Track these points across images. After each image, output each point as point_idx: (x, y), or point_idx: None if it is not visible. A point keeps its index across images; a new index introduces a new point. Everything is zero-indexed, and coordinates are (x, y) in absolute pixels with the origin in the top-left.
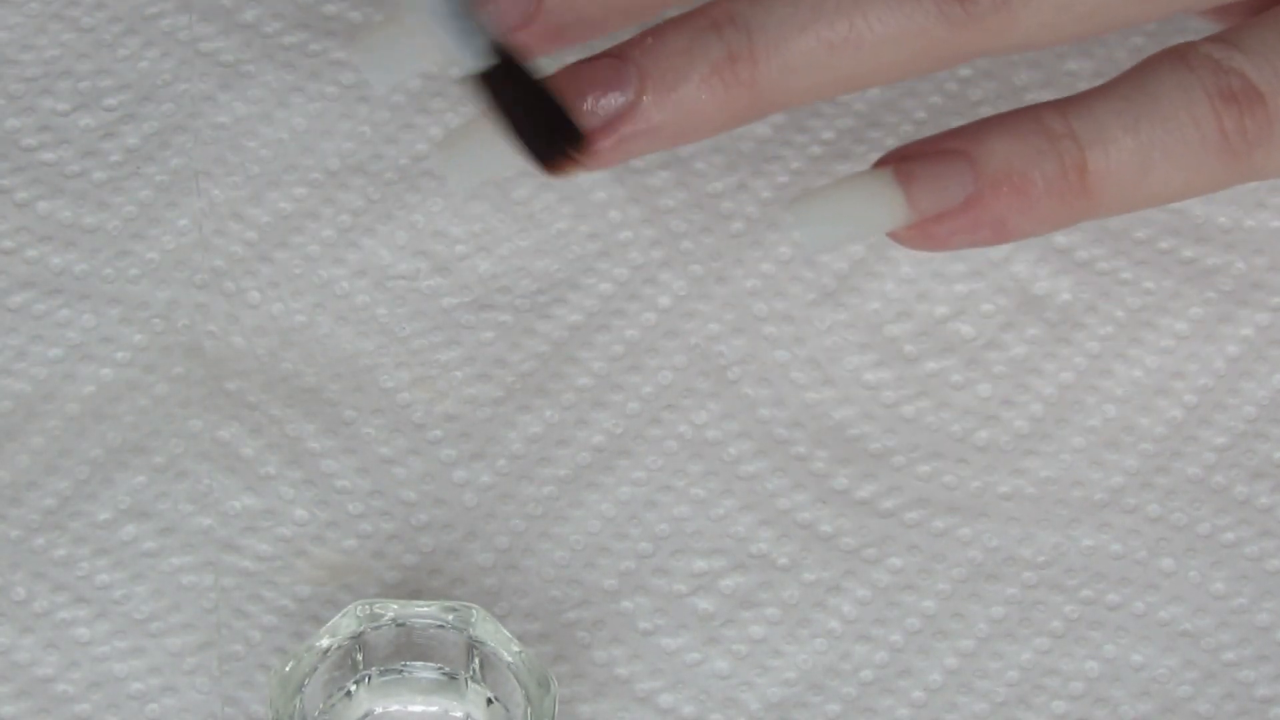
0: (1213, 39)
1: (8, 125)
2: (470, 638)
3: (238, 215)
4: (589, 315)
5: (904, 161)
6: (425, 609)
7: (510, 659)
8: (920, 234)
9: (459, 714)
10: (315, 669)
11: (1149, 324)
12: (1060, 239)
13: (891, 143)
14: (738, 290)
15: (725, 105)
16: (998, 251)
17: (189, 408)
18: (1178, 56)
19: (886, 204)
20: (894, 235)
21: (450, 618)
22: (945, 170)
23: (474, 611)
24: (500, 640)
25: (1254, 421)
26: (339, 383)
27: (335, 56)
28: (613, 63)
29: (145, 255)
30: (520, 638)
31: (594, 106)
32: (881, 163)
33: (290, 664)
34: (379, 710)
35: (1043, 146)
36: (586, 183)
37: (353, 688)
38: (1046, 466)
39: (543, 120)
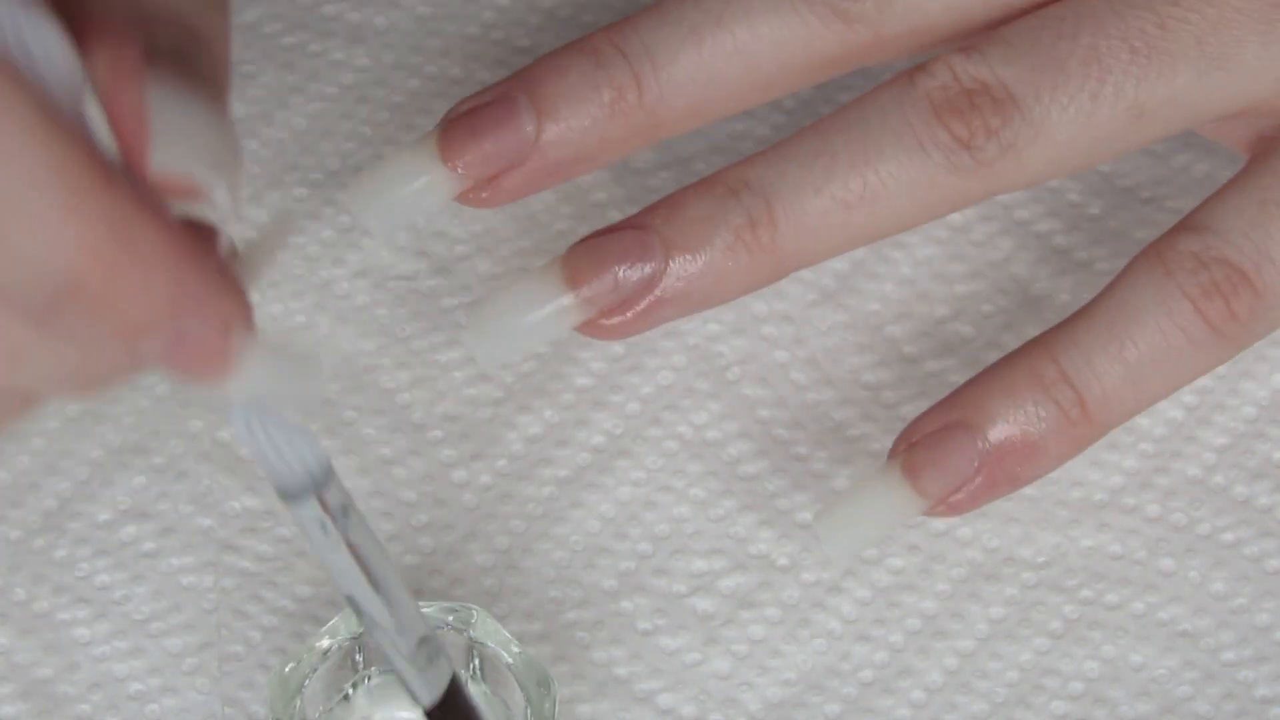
0: (1185, 227)
1: None
2: (470, 638)
3: (238, 215)
4: None
5: (910, 451)
6: (425, 609)
7: (510, 659)
8: (946, 510)
9: None
10: (315, 670)
11: None
12: (1060, 239)
13: None
14: None
15: (750, 269)
16: (998, 251)
17: (189, 408)
18: (1155, 260)
19: (900, 501)
20: (927, 514)
21: (450, 618)
22: (948, 453)
23: (474, 612)
24: (500, 640)
25: (1254, 422)
26: (338, 383)
27: (335, 57)
28: (636, 234)
29: None
30: (520, 638)
31: (621, 277)
32: (891, 454)
33: (290, 665)
34: (379, 711)
35: (1039, 399)
36: (586, 183)
37: (352, 689)
38: None
39: None
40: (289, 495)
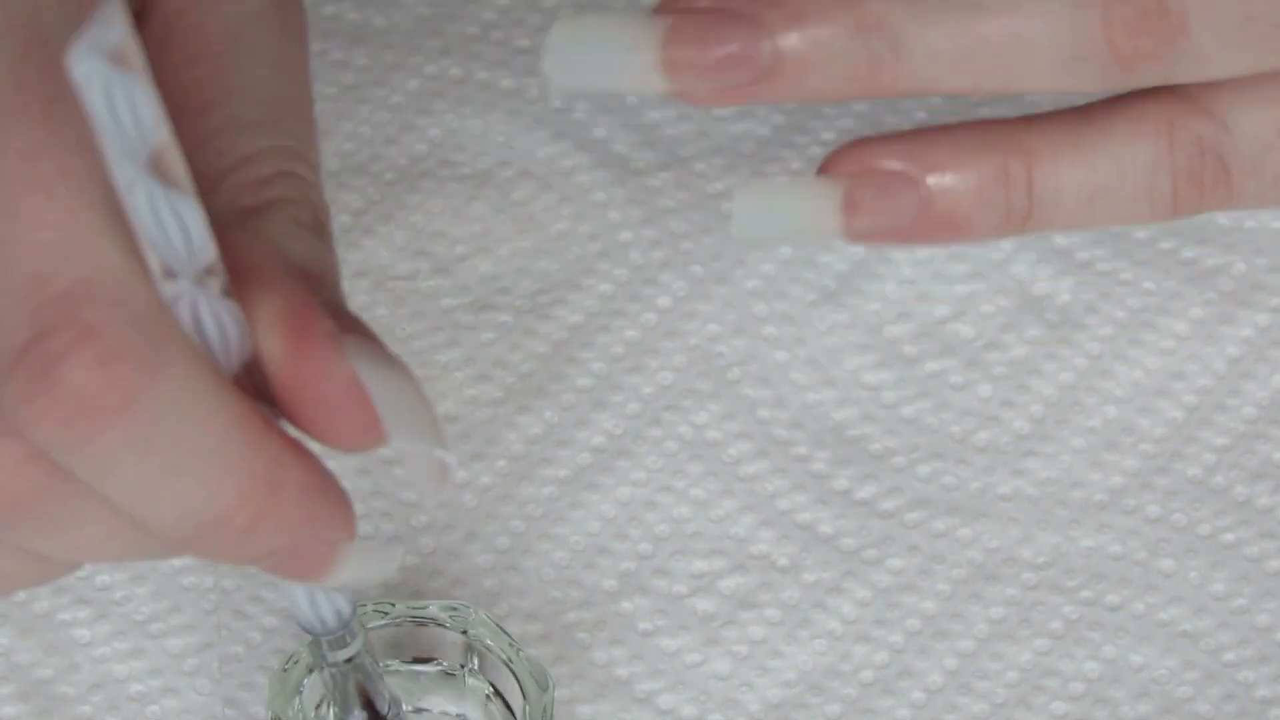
0: (1204, 109)
1: None
2: (469, 637)
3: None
4: (589, 316)
5: (856, 183)
6: (424, 609)
7: (509, 659)
8: (858, 240)
9: (458, 713)
10: (314, 670)
11: (1149, 325)
12: (1060, 240)
13: None
14: (738, 291)
15: (849, 93)
16: (998, 251)
17: None
18: (1165, 130)
19: (826, 221)
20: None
21: (449, 618)
22: (893, 204)
23: (473, 612)
24: (499, 640)
25: (1254, 422)
26: None
27: (335, 57)
28: (751, 29)
29: None
30: (520, 639)
31: (718, 72)
32: (833, 165)
33: (289, 665)
34: None
35: (999, 193)
36: (586, 183)
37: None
38: (1046, 467)
39: None
40: (308, 630)
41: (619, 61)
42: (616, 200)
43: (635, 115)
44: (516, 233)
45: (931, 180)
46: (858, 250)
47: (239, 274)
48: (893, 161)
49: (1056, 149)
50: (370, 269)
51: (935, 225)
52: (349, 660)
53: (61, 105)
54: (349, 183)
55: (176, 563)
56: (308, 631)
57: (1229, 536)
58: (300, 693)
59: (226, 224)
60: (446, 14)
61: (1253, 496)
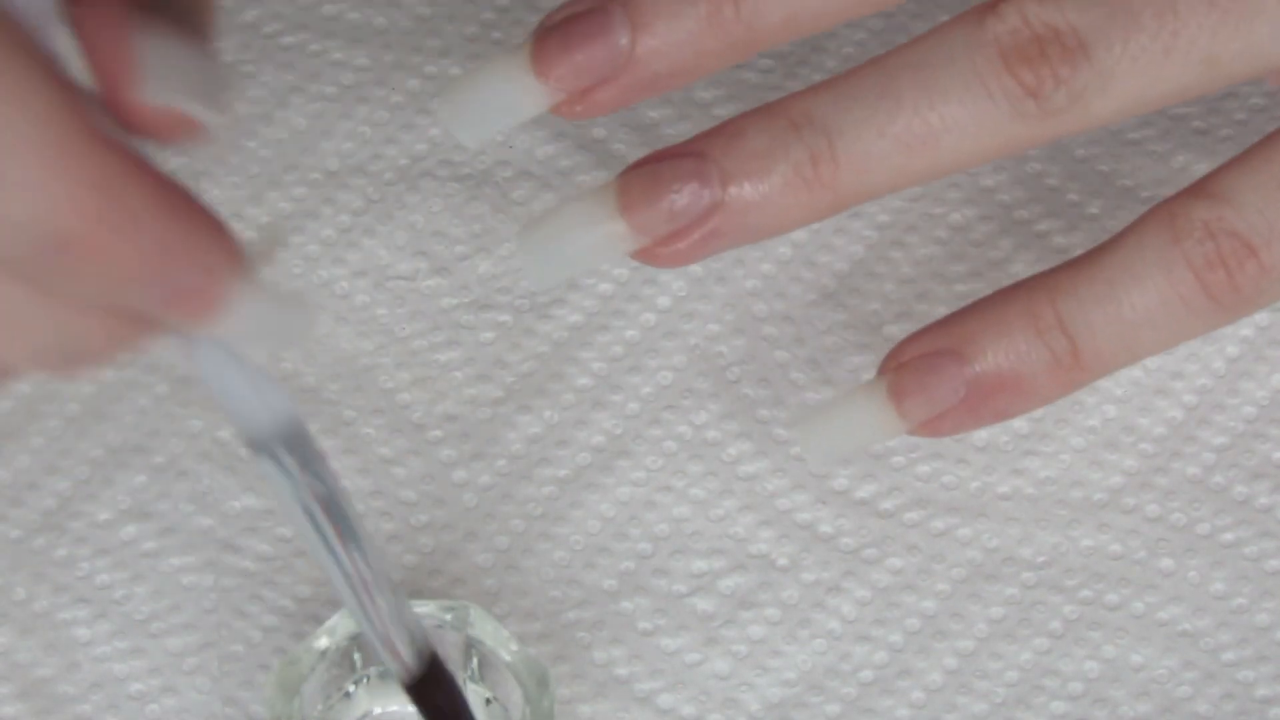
0: (1202, 192)
1: None
2: (469, 637)
3: (237, 215)
4: (589, 316)
5: (897, 373)
6: (423, 608)
7: (508, 658)
8: (926, 431)
9: None
10: (314, 669)
11: None
12: (1060, 239)
13: None
14: (738, 290)
15: (808, 204)
16: (997, 251)
17: (189, 408)
18: (1166, 223)
19: (883, 420)
20: (906, 433)
21: (448, 617)
22: (937, 380)
23: (472, 611)
24: (498, 639)
25: (1253, 422)
26: (338, 383)
27: (335, 57)
28: (695, 162)
29: None
30: (520, 638)
31: (677, 204)
32: (880, 371)
33: (288, 665)
34: (377, 710)
35: (1032, 340)
36: (586, 183)
37: (351, 688)
38: (1046, 466)
39: None
40: (254, 443)
41: (589, 246)
42: None
43: (635, 115)
44: (516, 233)
45: (967, 348)
46: (858, 250)
47: None
48: (925, 345)
49: (1074, 280)
50: (370, 269)
51: (989, 391)
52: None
53: None
54: (349, 183)
55: (176, 561)
56: (246, 436)
57: (1228, 536)
58: (300, 693)
59: None
60: (446, 14)
61: (1252, 496)
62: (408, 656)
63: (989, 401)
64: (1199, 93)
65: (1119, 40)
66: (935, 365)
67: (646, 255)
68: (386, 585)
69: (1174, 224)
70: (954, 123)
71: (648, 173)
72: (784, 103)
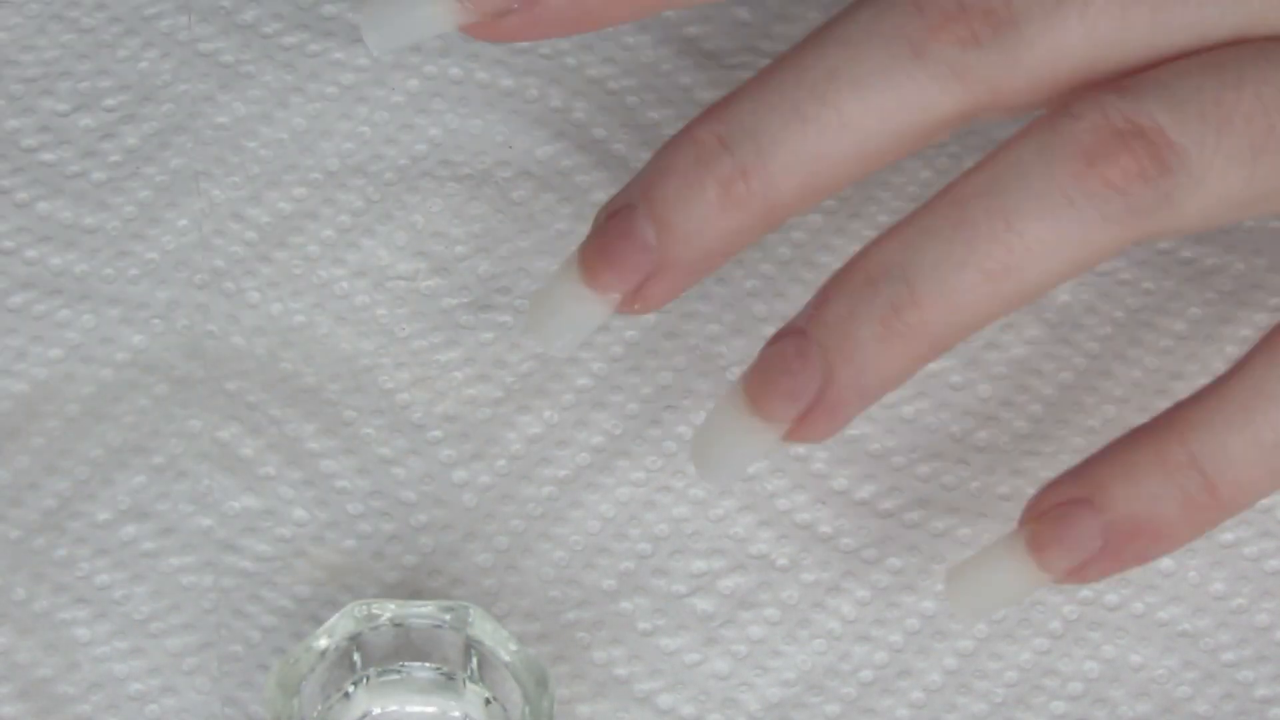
0: None
1: (8, 126)
2: (468, 637)
3: (237, 215)
4: None
5: (1035, 525)
6: (422, 608)
7: (508, 658)
8: (1071, 581)
9: (457, 714)
10: (313, 669)
11: (1148, 324)
12: None
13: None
14: (738, 290)
15: (904, 353)
16: None
17: (189, 408)
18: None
19: (1026, 575)
20: (1054, 583)
21: (448, 617)
22: (1073, 530)
23: (471, 611)
24: (498, 639)
25: None
26: (338, 383)
27: (335, 57)
28: (798, 344)
29: (145, 256)
30: (520, 638)
31: (796, 396)
32: (1020, 523)
33: (288, 665)
34: (377, 711)
35: (1165, 484)
36: (585, 183)
37: (351, 688)
38: (1046, 467)
39: None
40: None
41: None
42: None
43: (635, 115)
44: (516, 233)
45: (1099, 496)
46: (857, 249)
47: None
48: (1060, 494)
49: (1204, 412)
50: (370, 269)
51: (1125, 538)
52: None
53: None
54: (349, 183)
55: (175, 561)
56: None
57: (1228, 536)
58: (300, 693)
59: None
60: None
61: None
62: None
63: (1127, 548)
64: None
65: (1211, 139)
66: (1070, 515)
67: (798, 436)
68: None
69: None
70: (1036, 242)
71: (762, 368)
72: (859, 257)
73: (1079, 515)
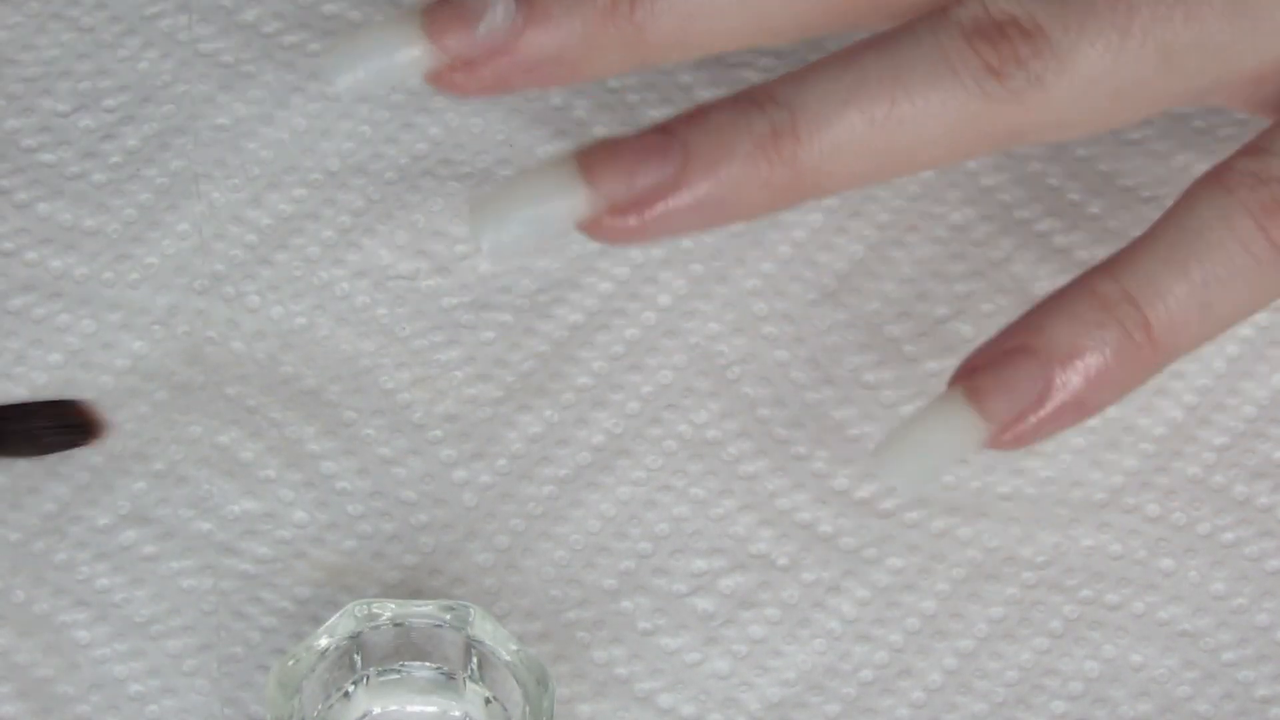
0: (1247, 150)
1: (7, 126)
2: (468, 636)
3: (238, 218)
4: (589, 315)
5: (971, 376)
6: (422, 608)
7: (508, 657)
8: (1011, 438)
9: (457, 714)
10: (313, 669)
11: None
12: (1060, 239)
13: None
14: (738, 290)
15: (769, 183)
16: (998, 251)
17: (189, 414)
18: (1215, 180)
19: (965, 427)
20: (991, 444)
21: (448, 617)
22: (1012, 374)
23: (471, 610)
24: (498, 639)
25: (1254, 421)
26: (339, 384)
27: None
28: (657, 136)
29: (145, 259)
30: (520, 637)
31: (637, 178)
32: (952, 383)
33: (288, 665)
34: (377, 710)
35: (1102, 319)
36: None
37: (351, 688)
38: (1046, 467)
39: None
40: None
41: (543, 214)
42: None
43: (635, 114)
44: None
45: (1037, 339)
46: (858, 249)
47: None
48: (996, 347)
49: (1134, 254)
50: (370, 269)
51: (1066, 379)
52: None
53: None
54: (349, 182)
55: (176, 565)
56: None
57: (1229, 535)
58: (300, 692)
59: None
60: None
61: (1252, 495)
62: None
63: (1069, 391)
64: (1163, 95)
65: (1074, 23)
66: (1009, 360)
67: (603, 229)
68: None
69: (1222, 180)
70: (919, 98)
71: (610, 143)
72: (749, 88)
73: (1018, 359)
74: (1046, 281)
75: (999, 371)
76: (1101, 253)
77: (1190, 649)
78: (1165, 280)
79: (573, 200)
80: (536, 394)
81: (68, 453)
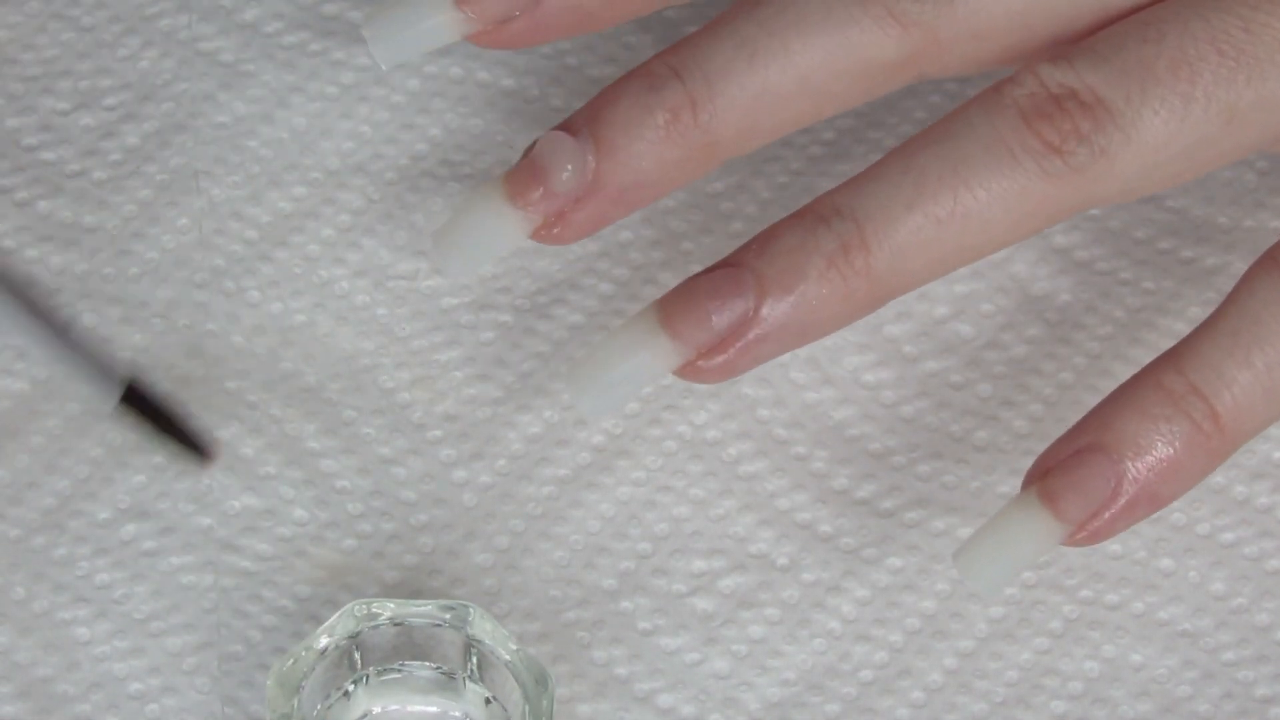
0: None
1: (8, 124)
2: (468, 636)
3: (238, 215)
4: (589, 315)
5: (1044, 478)
6: (422, 608)
7: (508, 657)
8: (1086, 536)
9: (457, 713)
10: (313, 669)
11: (1149, 324)
12: (1060, 239)
13: (891, 142)
14: None
15: (845, 297)
16: (998, 252)
17: (189, 407)
18: (1272, 263)
19: (1041, 530)
20: (1068, 543)
21: (448, 616)
22: (1084, 474)
23: (471, 610)
24: (498, 638)
25: None
26: (338, 382)
27: (335, 56)
28: (729, 271)
29: (145, 255)
30: (520, 638)
31: (716, 318)
32: (1025, 484)
33: (288, 664)
34: (377, 710)
35: (1170, 413)
36: None
37: (351, 687)
38: None
39: (177, 431)
40: None
41: (632, 371)
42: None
43: None
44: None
45: (1108, 436)
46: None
47: None
48: (1067, 447)
49: (1196, 344)
50: (370, 269)
51: (1138, 476)
52: None
53: None
54: (349, 183)
55: (176, 561)
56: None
57: (1228, 536)
58: (300, 692)
59: None
60: None
61: (1252, 496)
62: (109, 375)
63: (1142, 487)
64: (1230, 151)
65: (1136, 92)
66: (1080, 461)
67: (692, 371)
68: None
69: (1277, 261)
70: (982, 190)
71: (685, 288)
72: (811, 203)
73: (1089, 459)
74: (1046, 282)
75: (1071, 472)
76: (1101, 252)
77: (1190, 649)
78: (1230, 370)
79: (659, 353)
80: (536, 394)
81: (67, 447)
